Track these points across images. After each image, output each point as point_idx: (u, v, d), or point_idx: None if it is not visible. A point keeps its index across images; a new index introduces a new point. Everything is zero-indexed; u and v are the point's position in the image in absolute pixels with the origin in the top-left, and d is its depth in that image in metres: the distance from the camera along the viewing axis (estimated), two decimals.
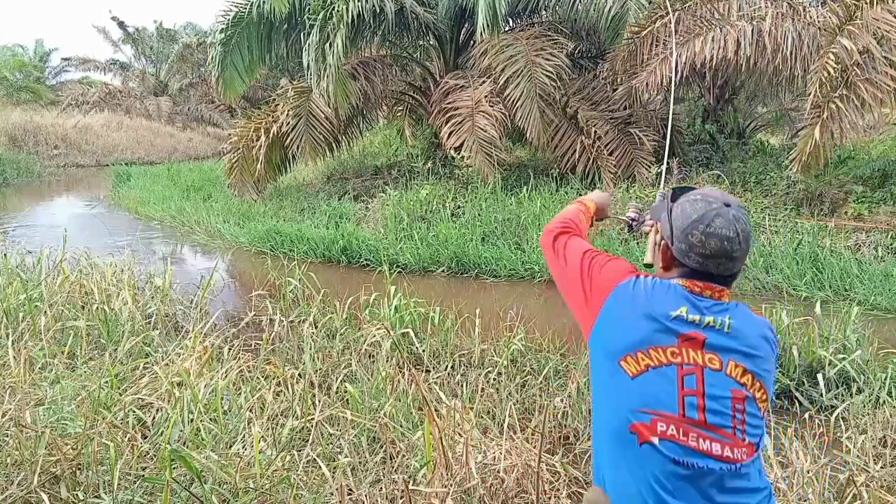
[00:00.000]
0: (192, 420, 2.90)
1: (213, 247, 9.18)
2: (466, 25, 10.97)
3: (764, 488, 1.40)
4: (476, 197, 8.84)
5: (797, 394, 3.83)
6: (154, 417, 3.05)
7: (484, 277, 7.19)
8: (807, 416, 3.44)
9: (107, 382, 3.21)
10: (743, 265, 1.48)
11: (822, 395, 3.73)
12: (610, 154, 9.39)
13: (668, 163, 1.86)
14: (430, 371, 4.03)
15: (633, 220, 1.90)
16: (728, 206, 1.47)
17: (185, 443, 2.78)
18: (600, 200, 1.98)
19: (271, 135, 10.47)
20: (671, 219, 1.52)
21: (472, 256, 7.38)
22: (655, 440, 1.34)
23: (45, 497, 2.30)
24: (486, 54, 9.49)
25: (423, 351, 4.25)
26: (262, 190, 11.48)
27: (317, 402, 3.17)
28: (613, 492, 1.37)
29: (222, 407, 3.04)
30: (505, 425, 3.02)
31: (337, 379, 3.58)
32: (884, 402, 3.54)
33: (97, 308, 4.44)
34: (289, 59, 12.75)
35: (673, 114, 11.65)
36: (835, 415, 3.32)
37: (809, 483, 2.61)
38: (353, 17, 9.13)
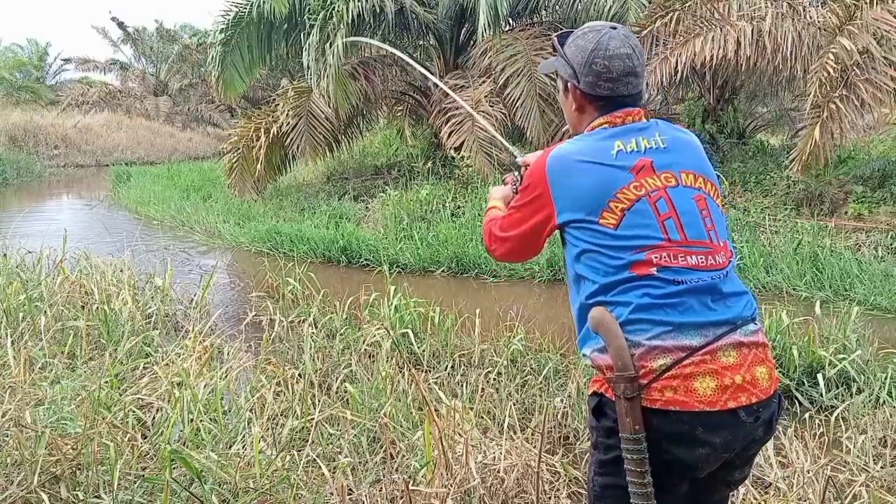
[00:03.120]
0: (191, 420, 2.90)
1: (213, 247, 9.18)
2: (466, 25, 10.97)
3: (746, 292, 1.50)
4: (476, 197, 8.83)
5: (797, 394, 3.83)
6: (154, 417, 3.05)
7: (484, 277, 7.18)
8: (807, 416, 3.44)
9: (107, 382, 3.21)
10: (645, 80, 1.57)
11: (822, 395, 3.73)
12: None
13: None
14: (429, 371, 4.03)
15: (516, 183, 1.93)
16: (615, 28, 1.53)
17: (184, 443, 2.78)
18: (506, 197, 1.89)
19: (271, 135, 10.46)
20: (569, 60, 1.55)
21: (472, 256, 7.37)
22: (654, 270, 1.40)
23: (45, 497, 2.29)
24: (486, 54, 9.49)
25: (423, 351, 4.25)
26: (262, 190, 11.47)
27: (317, 402, 3.17)
28: (618, 315, 1.40)
29: (222, 407, 3.04)
30: (505, 425, 3.02)
31: (337, 379, 3.58)
32: (884, 402, 3.53)
33: (97, 308, 4.43)
34: (289, 59, 12.74)
35: (673, 114, 11.62)
36: (835, 415, 3.32)
37: (809, 483, 2.61)
38: (353, 17, 9.13)
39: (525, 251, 1.66)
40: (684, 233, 1.43)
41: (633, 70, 1.51)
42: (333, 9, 9.24)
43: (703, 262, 1.42)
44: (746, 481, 2.59)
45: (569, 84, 1.58)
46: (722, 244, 1.47)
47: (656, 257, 1.40)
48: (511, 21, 11.21)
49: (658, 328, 1.37)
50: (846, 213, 7.88)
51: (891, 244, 6.94)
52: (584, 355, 1.51)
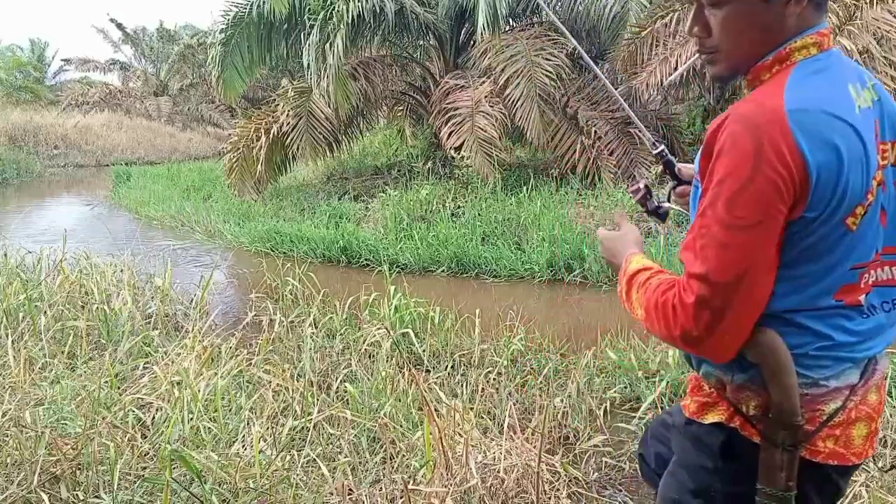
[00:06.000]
0: (191, 420, 2.90)
1: (214, 247, 9.18)
2: (467, 25, 10.97)
3: None
4: (476, 197, 8.84)
5: None
6: (154, 417, 3.05)
7: (484, 277, 7.18)
8: None
9: (107, 382, 3.21)
10: None
11: None
12: (610, 154, 9.39)
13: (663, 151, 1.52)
14: (430, 371, 4.03)
15: (643, 193, 1.51)
16: None
17: (184, 443, 2.78)
18: (635, 240, 1.40)
19: (271, 135, 10.47)
20: None
21: (472, 256, 7.37)
22: (861, 299, 1.04)
23: (45, 497, 2.29)
24: (486, 54, 9.49)
25: (423, 351, 4.25)
26: (262, 190, 11.47)
27: (316, 402, 3.17)
28: (795, 344, 1.04)
29: (222, 406, 3.04)
30: (505, 425, 3.02)
31: (337, 379, 3.58)
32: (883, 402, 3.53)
33: (97, 308, 4.43)
34: (289, 59, 12.73)
35: (673, 114, 11.59)
36: None
37: None
38: (353, 17, 9.13)
39: (761, 296, 1.02)
40: (884, 238, 1.07)
41: None
42: (333, 9, 9.25)
43: (890, 277, 1.08)
44: None
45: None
46: None
47: (866, 280, 1.05)
48: (511, 21, 11.21)
49: (841, 365, 1.05)
50: None
51: None
52: (709, 374, 1.14)
